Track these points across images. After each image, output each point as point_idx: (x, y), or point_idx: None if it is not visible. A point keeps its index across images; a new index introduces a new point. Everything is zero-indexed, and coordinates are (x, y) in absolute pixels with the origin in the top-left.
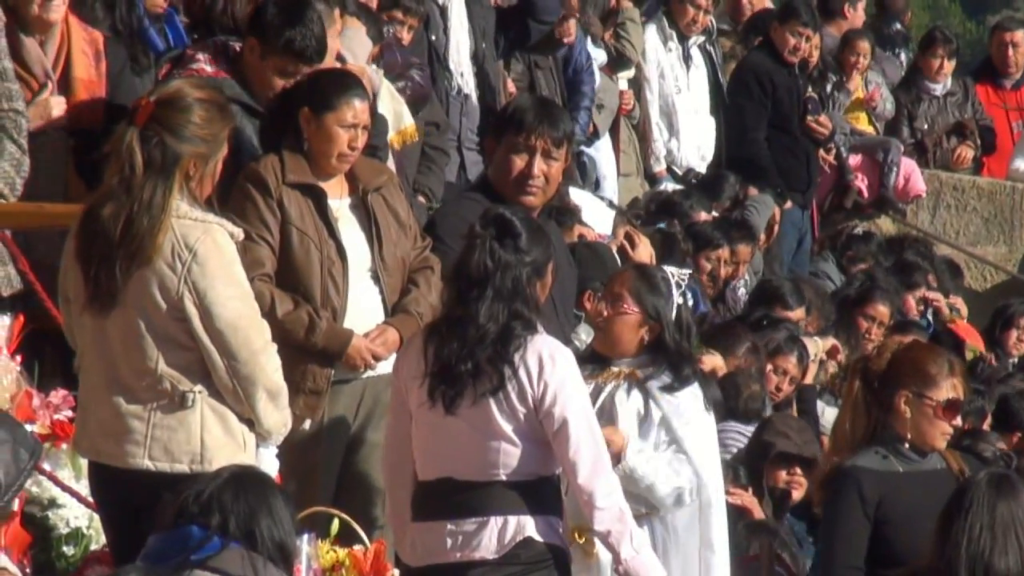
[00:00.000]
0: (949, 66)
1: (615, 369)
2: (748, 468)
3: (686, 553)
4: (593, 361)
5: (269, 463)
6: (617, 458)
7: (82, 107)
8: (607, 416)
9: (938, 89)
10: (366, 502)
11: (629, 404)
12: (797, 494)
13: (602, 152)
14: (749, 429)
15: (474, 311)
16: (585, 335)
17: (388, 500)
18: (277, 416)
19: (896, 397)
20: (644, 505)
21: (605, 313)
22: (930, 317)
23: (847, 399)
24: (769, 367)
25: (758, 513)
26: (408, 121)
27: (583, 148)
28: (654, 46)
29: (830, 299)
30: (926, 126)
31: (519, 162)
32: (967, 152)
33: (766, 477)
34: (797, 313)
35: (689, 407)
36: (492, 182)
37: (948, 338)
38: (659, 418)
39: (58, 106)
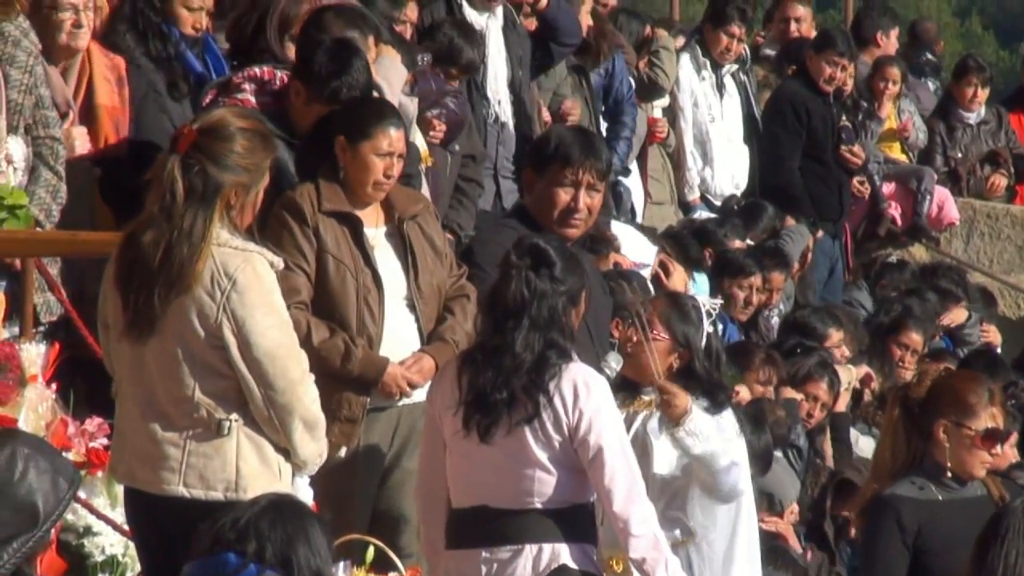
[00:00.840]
0: (983, 94)
1: (646, 398)
2: (819, 494)
3: None
4: (624, 388)
5: (304, 492)
6: (679, 418)
7: (106, 135)
8: (640, 445)
9: (972, 117)
10: (401, 530)
11: (664, 435)
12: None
13: (631, 180)
14: (776, 454)
15: (510, 340)
16: (615, 363)
17: (422, 528)
18: (313, 447)
19: (935, 426)
20: (681, 531)
21: (635, 339)
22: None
23: (887, 427)
24: (800, 395)
25: (792, 540)
26: (421, 146)
27: (620, 178)
28: (687, 75)
29: (863, 327)
30: (960, 154)
31: (565, 196)
32: (1001, 180)
33: (831, 502)
34: (831, 341)
35: (726, 429)
36: (532, 212)
37: (978, 361)
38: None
39: (80, 136)
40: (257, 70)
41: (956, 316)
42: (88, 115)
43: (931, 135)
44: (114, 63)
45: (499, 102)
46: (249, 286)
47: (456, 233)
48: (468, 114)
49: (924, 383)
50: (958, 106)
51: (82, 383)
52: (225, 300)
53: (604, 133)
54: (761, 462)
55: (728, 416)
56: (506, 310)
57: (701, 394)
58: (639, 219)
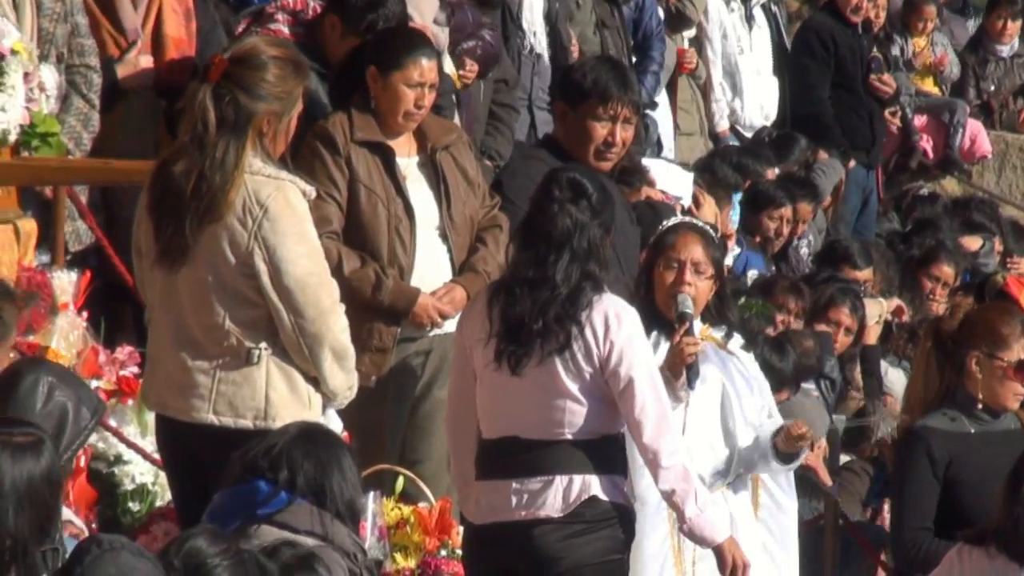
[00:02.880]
0: (1014, 27)
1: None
2: None
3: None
4: (658, 325)
5: (334, 423)
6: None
7: (173, 66)
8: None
9: (1005, 51)
10: (431, 461)
11: (730, 368)
12: None
13: (659, 111)
14: (807, 386)
15: (551, 273)
16: (689, 303)
17: (451, 458)
18: (342, 377)
19: (968, 358)
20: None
21: (690, 280)
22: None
23: (920, 360)
24: (823, 324)
25: (823, 473)
26: (450, 69)
27: (647, 111)
28: (716, 6)
29: (894, 260)
30: (992, 87)
31: (602, 130)
32: None
33: None
34: (865, 273)
35: (756, 365)
36: (563, 144)
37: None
38: (756, 384)
39: (146, 65)
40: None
41: (969, 244)
42: (156, 45)
43: (964, 68)
44: None
45: (534, 33)
46: (281, 214)
47: (494, 159)
48: (502, 47)
49: (957, 316)
50: (990, 39)
51: (119, 310)
52: (257, 228)
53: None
54: (793, 384)
55: (751, 356)
56: (550, 242)
57: (736, 330)
58: (668, 151)
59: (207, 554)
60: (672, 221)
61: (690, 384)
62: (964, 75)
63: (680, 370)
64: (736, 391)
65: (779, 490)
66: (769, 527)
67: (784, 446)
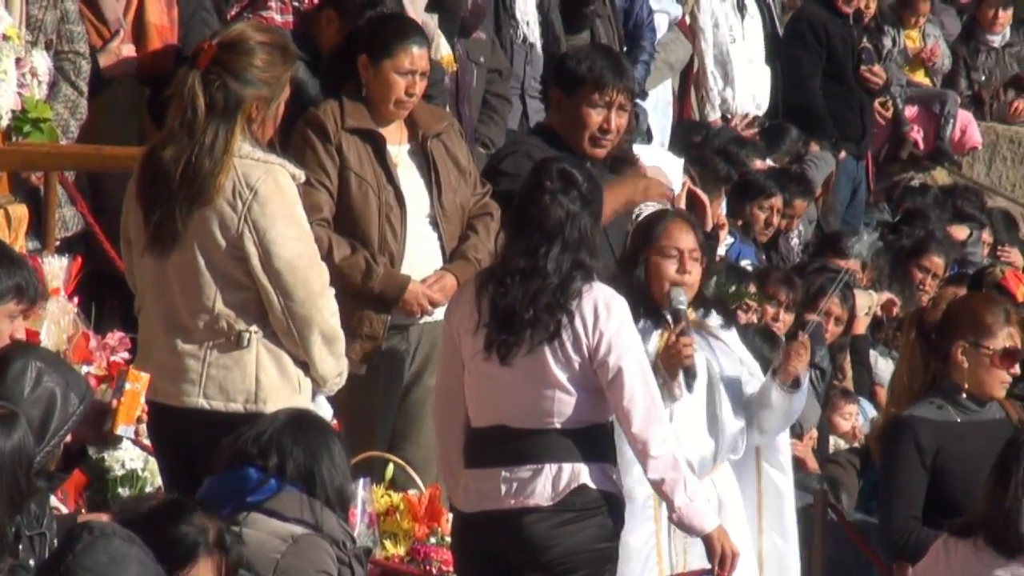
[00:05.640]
0: (1005, 16)
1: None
2: None
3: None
4: (648, 314)
5: (324, 410)
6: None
7: (155, 54)
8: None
9: (996, 40)
10: (421, 448)
11: (716, 351)
12: None
13: (660, 104)
14: None
15: (542, 263)
16: (683, 297)
17: (438, 446)
18: (332, 362)
19: (953, 347)
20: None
21: (689, 268)
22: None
23: (904, 351)
24: (815, 316)
25: (811, 463)
26: (445, 51)
27: (637, 101)
28: None
29: (885, 251)
30: (983, 78)
31: (596, 117)
32: None
33: None
34: (852, 261)
35: (740, 344)
36: (558, 131)
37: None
38: (740, 360)
39: (129, 54)
40: None
41: (957, 234)
42: (139, 33)
43: (955, 59)
44: None
45: (527, 23)
46: (271, 197)
47: (487, 146)
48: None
49: (939, 306)
50: (982, 29)
51: (109, 297)
52: (246, 210)
53: None
54: None
55: (735, 332)
56: (542, 233)
57: (714, 309)
58: (663, 143)
59: None
60: (649, 209)
61: (687, 386)
62: (955, 65)
63: (677, 371)
64: (722, 375)
65: (779, 474)
66: (770, 512)
67: (783, 376)
